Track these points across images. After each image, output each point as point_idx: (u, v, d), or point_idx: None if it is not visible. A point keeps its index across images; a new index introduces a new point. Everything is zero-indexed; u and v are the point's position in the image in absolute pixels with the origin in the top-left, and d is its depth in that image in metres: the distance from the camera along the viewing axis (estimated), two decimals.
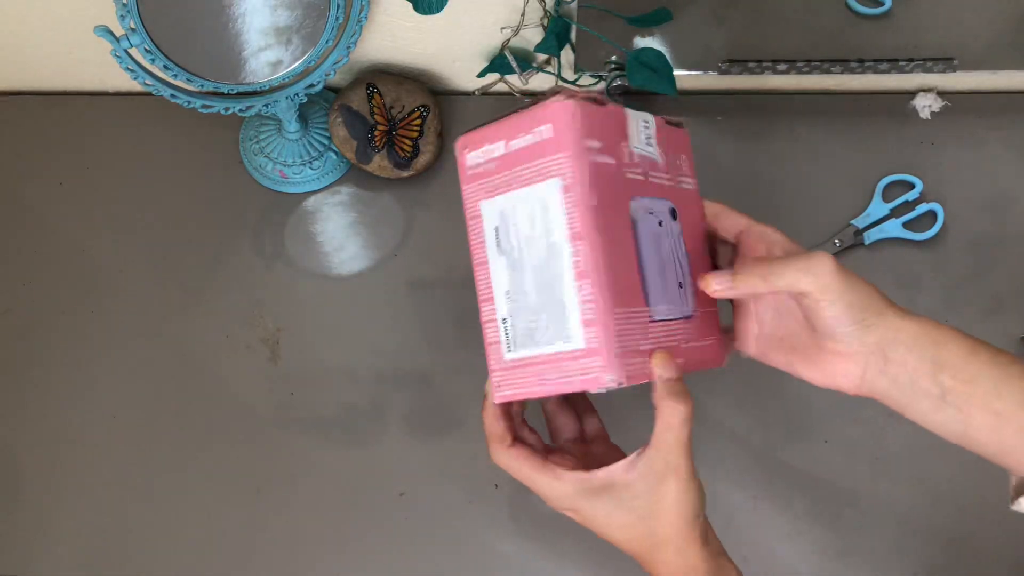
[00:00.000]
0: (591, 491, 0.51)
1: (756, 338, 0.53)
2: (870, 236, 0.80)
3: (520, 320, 0.45)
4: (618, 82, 0.86)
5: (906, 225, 0.80)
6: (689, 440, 0.50)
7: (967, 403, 0.48)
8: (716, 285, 0.51)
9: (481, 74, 0.84)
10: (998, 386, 0.47)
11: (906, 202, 0.81)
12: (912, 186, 0.81)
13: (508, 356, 0.46)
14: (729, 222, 0.54)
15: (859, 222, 0.80)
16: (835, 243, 0.79)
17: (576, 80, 0.86)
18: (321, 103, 0.86)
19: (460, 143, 0.48)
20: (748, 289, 0.50)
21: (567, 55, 0.84)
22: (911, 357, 0.49)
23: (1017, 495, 0.50)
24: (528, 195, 0.45)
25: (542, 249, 0.44)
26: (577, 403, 0.57)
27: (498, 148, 0.46)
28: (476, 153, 0.47)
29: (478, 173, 0.46)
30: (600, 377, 0.43)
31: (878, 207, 0.80)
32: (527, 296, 0.45)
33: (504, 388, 0.47)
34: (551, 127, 0.44)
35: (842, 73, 0.83)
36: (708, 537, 0.52)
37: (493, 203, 0.46)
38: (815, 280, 0.48)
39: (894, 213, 0.81)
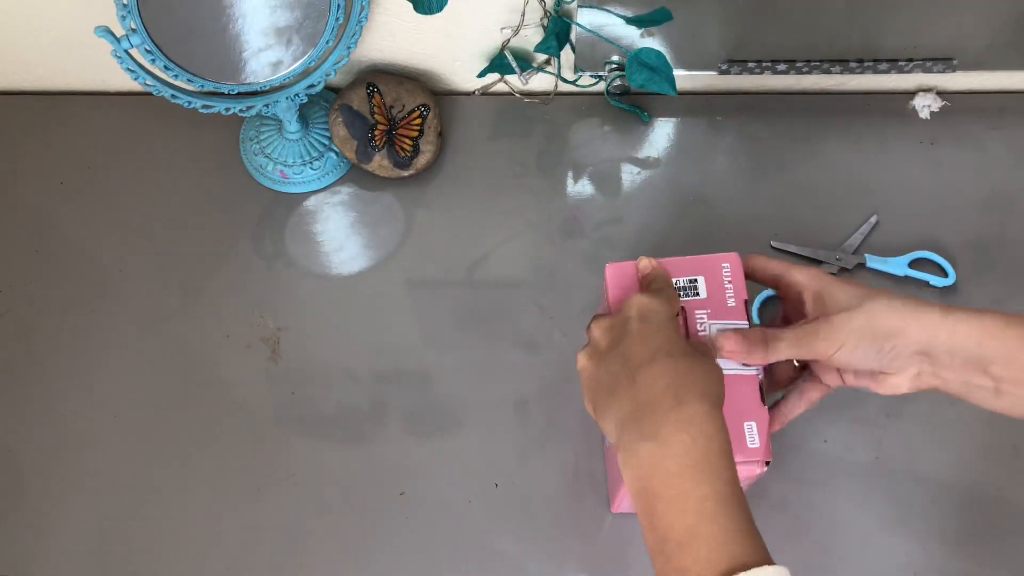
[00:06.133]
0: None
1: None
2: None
3: None
4: (618, 82, 0.86)
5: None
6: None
7: (1022, 388, 0.49)
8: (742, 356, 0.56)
9: (481, 74, 0.84)
10: None
11: None
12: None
13: None
14: (765, 270, 0.60)
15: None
16: (837, 258, 0.79)
17: (576, 80, 0.86)
18: (321, 103, 0.86)
19: None
20: (780, 357, 0.55)
21: (567, 55, 0.84)
22: (956, 360, 0.50)
23: None
24: None
25: None
26: None
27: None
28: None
29: None
30: None
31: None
32: None
33: None
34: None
35: (842, 73, 0.83)
36: None
37: None
38: (839, 353, 0.53)
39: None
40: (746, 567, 0.43)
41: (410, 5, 0.72)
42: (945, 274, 0.78)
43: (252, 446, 0.73)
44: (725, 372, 0.54)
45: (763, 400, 0.57)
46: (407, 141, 0.83)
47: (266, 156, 0.84)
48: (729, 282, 0.60)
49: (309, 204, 0.84)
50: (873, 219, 0.80)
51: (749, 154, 0.85)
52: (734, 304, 0.59)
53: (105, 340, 0.78)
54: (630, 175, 0.85)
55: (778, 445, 0.72)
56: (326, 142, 0.85)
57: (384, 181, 0.84)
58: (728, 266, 0.60)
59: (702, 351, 0.53)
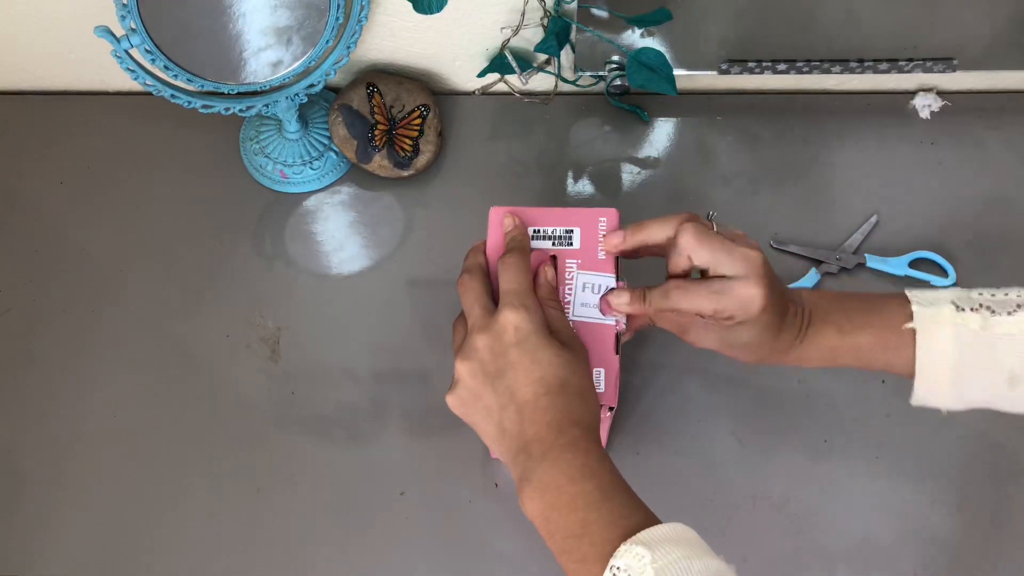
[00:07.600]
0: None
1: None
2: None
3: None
4: (618, 82, 0.86)
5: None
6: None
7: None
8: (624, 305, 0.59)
9: (481, 74, 0.84)
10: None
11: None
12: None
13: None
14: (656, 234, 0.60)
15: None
16: (837, 258, 0.79)
17: (576, 80, 0.86)
18: (321, 103, 0.86)
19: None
20: (662, 307, 0.57)
21: (567, 55, 0.84)
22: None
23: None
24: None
25: None
26: None
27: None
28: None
29: None
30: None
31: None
32: None
33: None
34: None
35: (842, 73, 0.83)
36: None
37: None
38: (742, 308, 0.55)
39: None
40: (636, 533, 0.47)
41: (410, 5, 0.72)
42: (945, 274, 0.78)
43: (252, 446, 0.73)
44: (589, 320, 0.59)
45: (617, 350, 0.59)
46: (407, 141, 0.83)
47: (266, 156, 0.84)
48: (603, 236, 0.62)
49: (309, 204, 0.84)
50: (873, 219, 0.80)
51: (749, 154, 0.85)
52: (604, 257, 0.61)
53: (105, 340, 0.78)
54: (630, 175, 0.85)
55: (778, 445, 0.72)
56: (326, 142, 0.85)
57: (384, 181, 0.84)
58: (604, 220, 0.62)
59: (573, 356, 0.55)
